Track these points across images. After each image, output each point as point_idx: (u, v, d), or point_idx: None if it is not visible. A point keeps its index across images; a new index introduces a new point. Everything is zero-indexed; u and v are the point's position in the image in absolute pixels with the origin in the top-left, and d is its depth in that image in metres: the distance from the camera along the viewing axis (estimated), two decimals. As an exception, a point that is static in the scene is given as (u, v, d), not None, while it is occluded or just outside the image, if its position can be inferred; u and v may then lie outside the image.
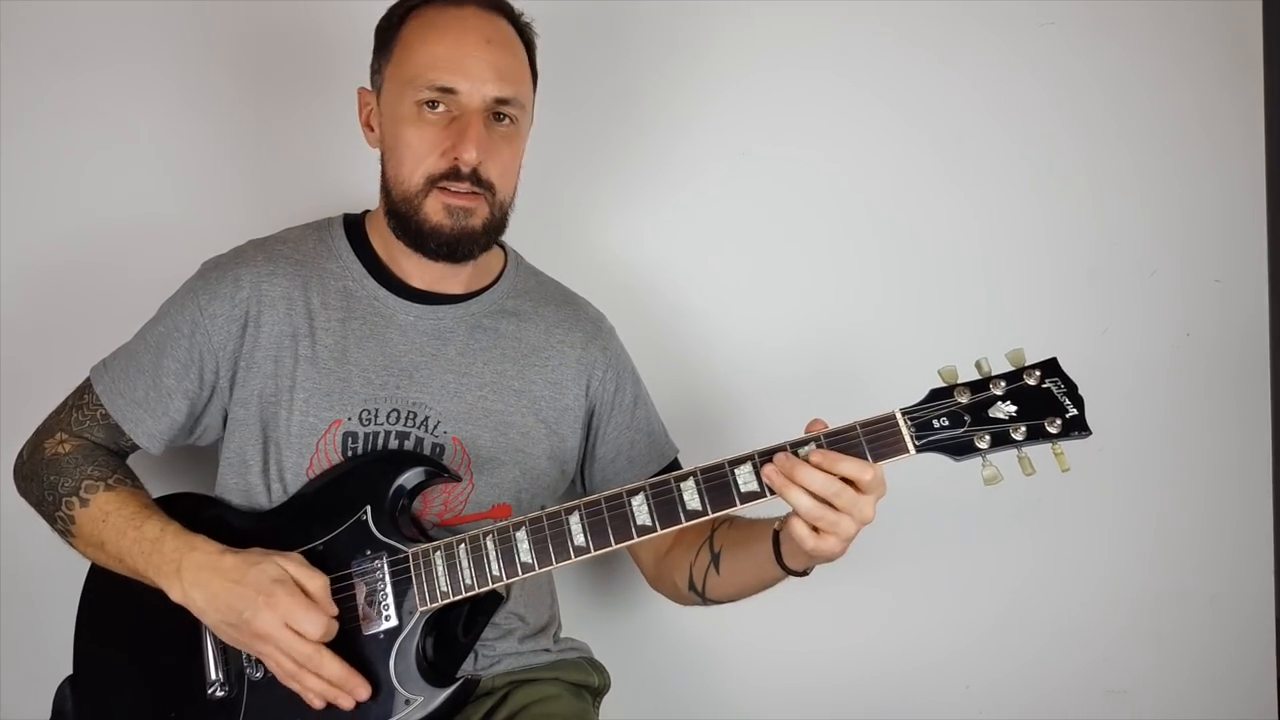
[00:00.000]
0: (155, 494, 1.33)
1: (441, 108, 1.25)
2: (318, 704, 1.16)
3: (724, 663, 1.74)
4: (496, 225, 1.30)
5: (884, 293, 1.72)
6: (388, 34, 1.30)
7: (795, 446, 1.11)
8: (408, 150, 1.26)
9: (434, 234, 1.26)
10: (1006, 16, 1.73)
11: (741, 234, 1.71)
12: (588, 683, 1.44)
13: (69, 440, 1.31)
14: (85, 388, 1.34)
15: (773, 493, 1.11)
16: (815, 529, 1.10)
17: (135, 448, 1.33)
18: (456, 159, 1.24)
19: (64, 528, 1.28)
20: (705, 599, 1.35)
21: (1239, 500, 1.79)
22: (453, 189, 1.25)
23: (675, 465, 1.47)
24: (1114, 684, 1.78)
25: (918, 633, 1.76)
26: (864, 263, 1.72)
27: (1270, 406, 1.80)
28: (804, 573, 1.24)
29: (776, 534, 1.23)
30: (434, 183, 1.25)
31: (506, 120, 1.28)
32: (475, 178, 1.25)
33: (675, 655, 1.73)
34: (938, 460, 1.11)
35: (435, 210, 1.26)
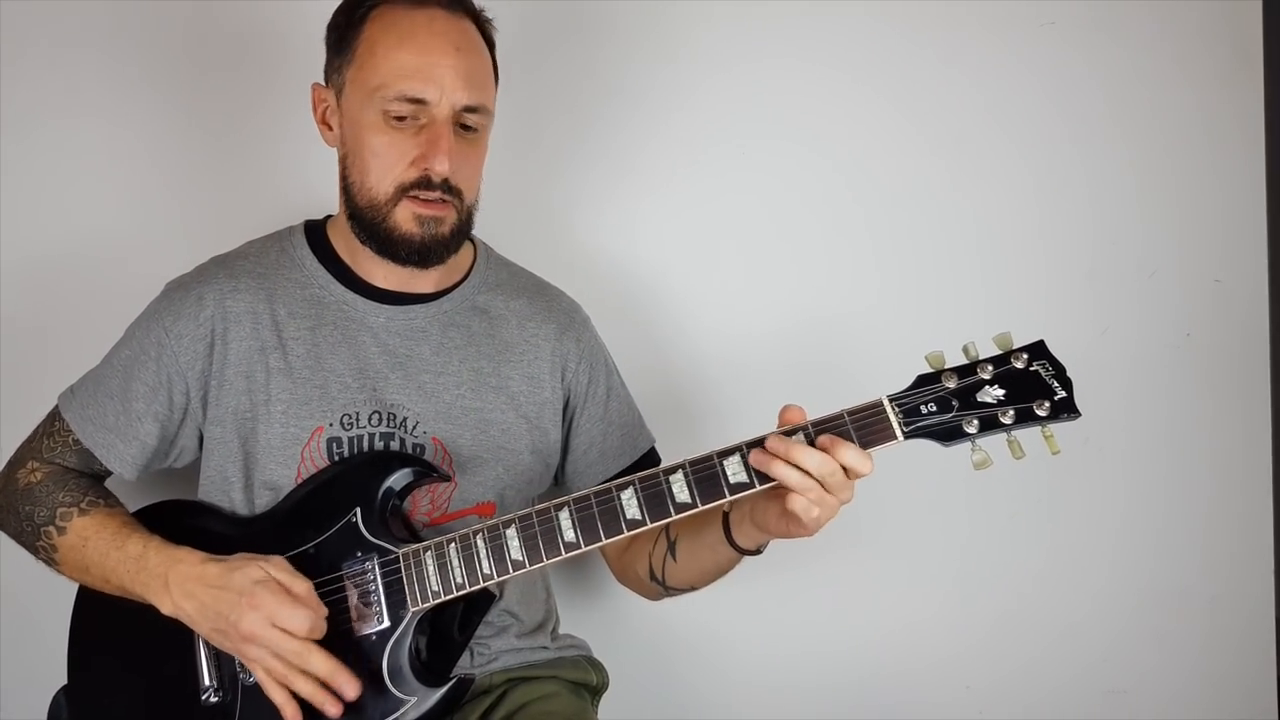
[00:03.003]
0: (140, 504, 1.33)
1: (406, 115, 1.23)
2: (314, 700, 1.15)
3: (724, 662, 1.74)
4: (464, 228, 1.30)
5: (881, 292, 1.72)
6: (347, 32, 1.26)
7: (784, 435, 1.11)
8: (375, 159, 1.25)
9: (404, 242, 1.26)
10: (1006, 16, 1.72)
11: (737, 234, 1.71)
12: (586, 681, 1.44)
13: (40, 468, 1.31)
14: (54, 415, 1.33)
15: (762, 483, 1.11)
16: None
17: (109, 472, 1.33)
18: (427, 169, 1.23)
19: (47, 557, 1.28)
20: (666, 588, 1.36)
21: (1239, 501, 1.78)
22: (423, 197, 1.24)
23: (651, 454, 1.47)
24: (1114, 684, 1.78)
25: (918, 632, 1.76)
26: (860, 262, 1.72)
27: (1270, 407, 1.79)
28: (757, 551, 1.25)
29: (726, 515, 1.24)
30: (404, 191, 1.24)
31: (473, 128, 1.27)
32: (445, 186, 1.24)
33: (675, 654, 1.73)
34: (930, 453, 1.11)
35: (405, 219, 1.25)
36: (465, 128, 1.26)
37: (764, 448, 1.10)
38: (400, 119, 1.23)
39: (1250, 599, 1.79)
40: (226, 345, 1.28)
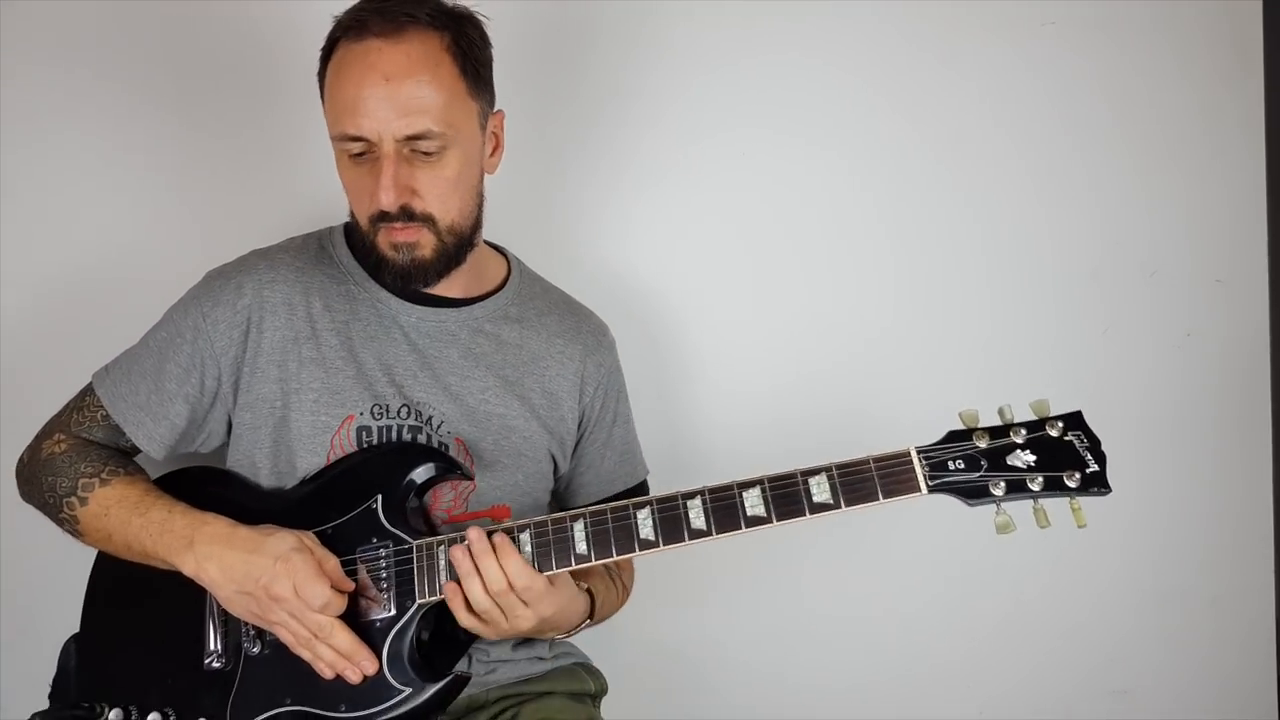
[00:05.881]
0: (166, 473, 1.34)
1: (362, 150, 1.22)
2: (328, 673, 1.18)
3: (723, 665, 1.74)
4: (453, 249, 1.29)
5: (883, 294, 1.72)
6: (321, 72, 1.27)
7: (806, 475, 1.12)
8: (348, 192, 1.28)
9: (388, 267, 1.28)
10: (1006, 16, 1.73)
11: (741, 236, 1.71)
12: (585, 690, 1.44)
13: (65, 440, 1.32)
14: (87, 391, 1.35)
15: (778, 520, 1.12)
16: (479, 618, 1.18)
17: (137, 449, 1.34)
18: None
19: (71, 529, 1.30)
20: None
21: (1240, 501, 1.79)
22: (391, 227, 1.25)
23: (642, 487, 1.50)
24: (1116, 684, 1.78)
25: (920, 634, 1.75)
26: (863, 264, 1.72)
27: (1271, 406, 1.80)
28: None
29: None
30: (375, 222, 1.25)
31: (428, 153, 1.23)
32: (408, 214, 1.24)
33: (673, 657, 1.73)
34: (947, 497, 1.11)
35: (384, 246, 1.27)
36: (423, 153, 1.23)
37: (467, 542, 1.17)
38: (357, 155, 1.23)
39: (1251, 600, 1.79)
40: (261, 334, 1.30)
